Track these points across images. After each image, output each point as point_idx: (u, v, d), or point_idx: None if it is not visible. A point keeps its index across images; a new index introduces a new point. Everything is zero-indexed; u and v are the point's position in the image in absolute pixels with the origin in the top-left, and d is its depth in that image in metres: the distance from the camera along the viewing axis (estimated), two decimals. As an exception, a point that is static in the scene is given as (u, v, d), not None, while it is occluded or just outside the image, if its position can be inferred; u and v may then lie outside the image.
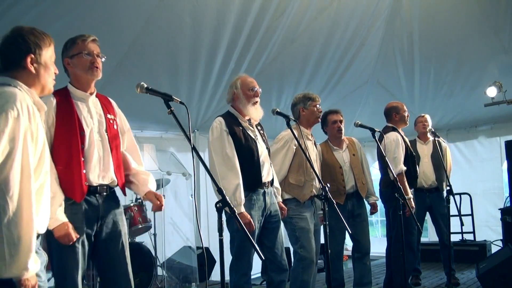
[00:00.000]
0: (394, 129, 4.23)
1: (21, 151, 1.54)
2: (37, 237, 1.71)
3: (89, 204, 2.15)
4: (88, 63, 2.18)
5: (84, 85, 2.23)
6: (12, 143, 1.53)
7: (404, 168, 4.01)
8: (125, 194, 2.35)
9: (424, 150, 4.82)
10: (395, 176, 3.77)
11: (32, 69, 1.71)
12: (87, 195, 2.14)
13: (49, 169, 1.75)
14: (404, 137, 4.29)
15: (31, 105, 1.64)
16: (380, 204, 4.22)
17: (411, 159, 4.18)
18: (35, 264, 1.59)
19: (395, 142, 4.05)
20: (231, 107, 3.07)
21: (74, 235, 2.03)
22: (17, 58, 1.70)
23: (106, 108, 2.32)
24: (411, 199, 3.96)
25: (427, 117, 4.91)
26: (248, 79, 3.08)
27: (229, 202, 2.01)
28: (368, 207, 4.10)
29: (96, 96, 2.30)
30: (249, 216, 2.75)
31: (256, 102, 3.02)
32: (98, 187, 2.18)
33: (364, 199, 4.06)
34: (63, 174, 2.08)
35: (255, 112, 3.01)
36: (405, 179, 3.98)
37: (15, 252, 1.51)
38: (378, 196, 4.19)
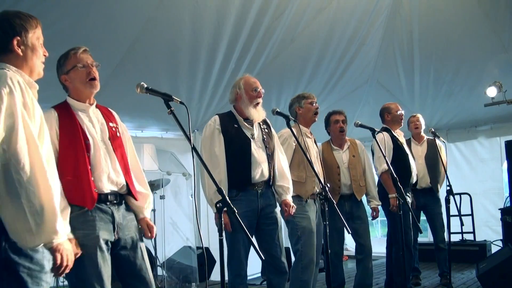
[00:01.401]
0: (386, 130, 4.24)
1: (22, 123, 1.56)
2: None
3: (102, 212, 2.13)
4: (85, 75, 2.19)
5: (84, 97, 2.23)
6: (11, 118, 1.55)
7: (386, 167, 3.99)
8: (136, 199, 2.30)
9: (418, 151, 4.80)
10: (378, 175, 3.99)
11: (20, 51, 1.71)
12: (99, 204, 2.12)
13: (50, 146, 1.76)
14: (398, 136, 4.30)
15: (22, 82, 1.65)
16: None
17: (402, 158, 4.18)
18: (64, 227, 1.60)
19: (380, 142, 4.06)
20: (233, 107, 3.06)
21: (77, 251, 1.96)
22: (4, 41, 1.70)
23: (108, 117, 2.32)
24: (394, 198, 3.95)
25: (419, 116, 4.89)
26: (251, 79, 3.06)
27: (229, 202, 2.00)
28: (369, 210, 4.10)
29: (97, 107, 2.30)
30: (227, 218, 2.68)
31: (258, 103, 3.00)
32: (109, 196, 2.16)
33: (366, 202, 4.06)
34: (72, 184, 2.06)
35: (256, 114, 2.99)
36: (388, 178, 3.97)
37: (41, 220, 1.52)
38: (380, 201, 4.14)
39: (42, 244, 1.56)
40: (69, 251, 1.63)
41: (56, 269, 1.61)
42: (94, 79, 2.20)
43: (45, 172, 1.57)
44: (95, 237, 2.07)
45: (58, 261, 1.59)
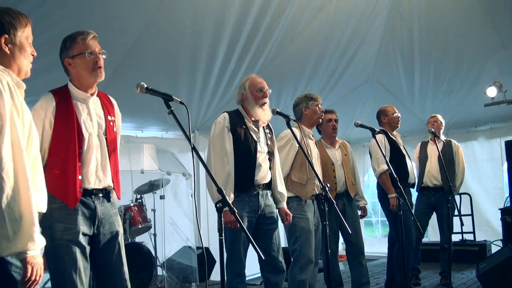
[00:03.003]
0: (383, 132, 4.26)
1: (9, 127, 1.51)
2: (40, 214, 1.69)
3: (85, 206, 2.12)
4: (92, 64, 2.14)
5: (86, 86, 2.19)
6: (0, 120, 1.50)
7: (385, 168, 4.03)
8: (119, 198, 2.31)
9: (433, 150, 4.84)
10: (377, 176, 4.08)
11: (7, 49, 1.65)
12: (83, 196, 2.11)
13: (38, 144, 1.72)
14: (395, 138, 4.32)
15: (11, 82, 1.61)
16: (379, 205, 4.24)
17: (399, 159, 4.20)
18: (40, 237, 1.55)
19: (379, 143, 4.10)
20: (240, 107, 3.07)
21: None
22: None
23: (107, 108, 2.28)
24: (394, 198, 3.99)
25: (438, 116, 4.89)
26: (257, 79, 3.06)
27: (229, 202, 2.00)
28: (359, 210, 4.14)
29: (97, 95, 2.25)
30: (232, 217, 2.57)
31: (265, 103, 2.99)
32: (94, 190, 2.15)
33: (354, 202, 4.09)
34: (58, 179, 2.05)
35: (262, 114, 2.99)
36: (387, 178, 4.04)
37: (18, 228, 1.49)
38: (367, 200, 4.26)
39: (17, 253, 1.51)
40: (40, 266, 1.55)
41: (24, 283, 1.54)
42: (100, 67, 2.17)
43: (28, 181, 1.53)
44: (75, 232, 2.07)
45: (28, 274, 1.52)
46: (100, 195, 2.18)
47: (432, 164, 4.77)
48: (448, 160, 4.72)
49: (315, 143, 3.70)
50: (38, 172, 1.69)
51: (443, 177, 4.70)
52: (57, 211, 2.04)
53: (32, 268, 1.53)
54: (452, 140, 5.00)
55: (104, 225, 2.20)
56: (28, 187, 1.53)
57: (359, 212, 4.11)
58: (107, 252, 2.21)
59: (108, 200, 2.25)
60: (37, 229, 1.53)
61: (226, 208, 2.03)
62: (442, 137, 4.87)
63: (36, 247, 1.53)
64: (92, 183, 2.14)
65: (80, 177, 2.09)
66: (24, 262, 1.52)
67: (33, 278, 1.54)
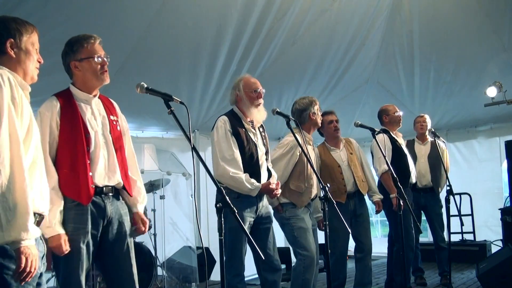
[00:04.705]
0: (384, 131, 4.26)
1: (7, 118, 1.55)
2: (37, 216, 1.68)
3: (95, 205, 2.14)
4: (99, 67, 2.19)
5: (90, 88, 2.23)
6: None
7: (386, 168, 4.01)
8: (131, 195, 2.32)
9: (422, 151, 4.84)
10: (378, 175, 4.07)
11: (12, 53, 1.72)
12: (93, 196, 2.13)
13: (39, 144, 1.74)
14: (397, 137, 4.32)
15: (13, 79, 1.65)
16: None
17: (401, 159, 4.19)
18: (35, 227, 1.56)
19: (380, 143, 4.08)
20: (235, 107, 3.06)
21: (65, 248, 2.01)
22: None
23: (109, 109, 2.32)
24: (395, 198, 3.98)
25: (426, 117, 4.91)
26: (251, 80, 3.05)
27: (229, 202, 2.01)
28: (371, 206, 4.10)
29: (99, 97, 2.30)
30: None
31: (260, 104, 3.00)
32: (104, 188, 2.17)
33: (368, 198, 4.07)
34: (69, 178, 2.07)
35: (258, 114, 3.00)
36: (389, 178, 4.01)
37: (12, 216, 1.49)
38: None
39: (10, 242, 1.50)
40: (35, 257, 1.54)
41: (18, 274, 1.51)
42: (106, 71, 2.22)
43: (23, 171, 1.54)
44: (85, 232, 2.09)
45: (22, 265, 1.50)
46: (110, 194, 2.20)
47: (422, 165, 4.77)
48: (436, 159, 4.72)
49: (313, 148, 3.72)
50: (38, 168, 1.70)
51: (433, 177, 4.71)
52: (67, 211, 2.07)
53: (27, 258, 1.51)
54: (438, 140, 5.00)
55: (113, 225, 2.21)
56: (23, 177, 1.54)
57: (374, 207, 4.07)
58: (115, 252, 2.22)
59: (118, 199, 2.27)
60: (31, 219, 1.53)
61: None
62: (429, 138, 4.88)
63: (30, 237, 1.52)
64: (102, 180, 2.16)
65: (90, 174, 2.11)
66: (17, 252, 1.51)
67: (27, 269, 1.52)
